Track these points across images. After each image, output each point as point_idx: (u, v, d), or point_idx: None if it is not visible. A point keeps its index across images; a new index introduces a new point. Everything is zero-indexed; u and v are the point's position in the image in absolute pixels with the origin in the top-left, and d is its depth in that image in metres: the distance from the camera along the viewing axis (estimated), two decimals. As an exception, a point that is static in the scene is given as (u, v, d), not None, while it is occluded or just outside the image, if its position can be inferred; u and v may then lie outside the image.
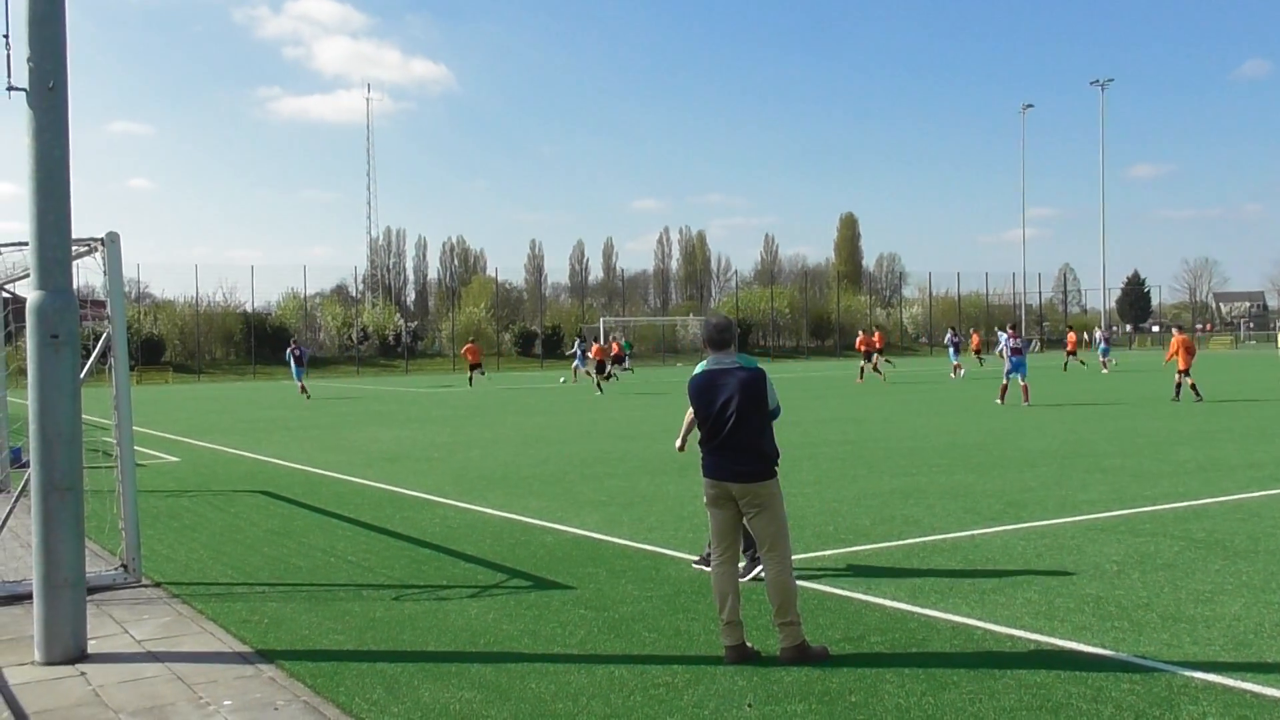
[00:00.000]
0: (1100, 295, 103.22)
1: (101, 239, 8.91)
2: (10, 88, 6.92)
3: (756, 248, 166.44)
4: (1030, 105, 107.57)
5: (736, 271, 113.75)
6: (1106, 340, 53.51)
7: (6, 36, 6.93)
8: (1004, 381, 27.55)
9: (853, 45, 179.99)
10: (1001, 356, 29.27)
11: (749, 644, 6.65)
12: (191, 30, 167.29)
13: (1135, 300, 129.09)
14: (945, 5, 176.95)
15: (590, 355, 41.36)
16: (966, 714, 5.53)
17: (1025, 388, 26.91)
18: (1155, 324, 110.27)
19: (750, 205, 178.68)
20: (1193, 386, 27.27)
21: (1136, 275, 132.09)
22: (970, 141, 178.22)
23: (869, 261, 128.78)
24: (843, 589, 8.20)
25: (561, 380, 49.14)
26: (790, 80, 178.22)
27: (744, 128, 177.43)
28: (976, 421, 22.84)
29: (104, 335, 8.85)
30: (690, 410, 8.90)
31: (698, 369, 6.90)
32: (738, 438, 6.62)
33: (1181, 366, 27.36)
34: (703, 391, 6.79)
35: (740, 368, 6.75)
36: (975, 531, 10.37)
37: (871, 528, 10.68)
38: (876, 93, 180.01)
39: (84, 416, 7.16)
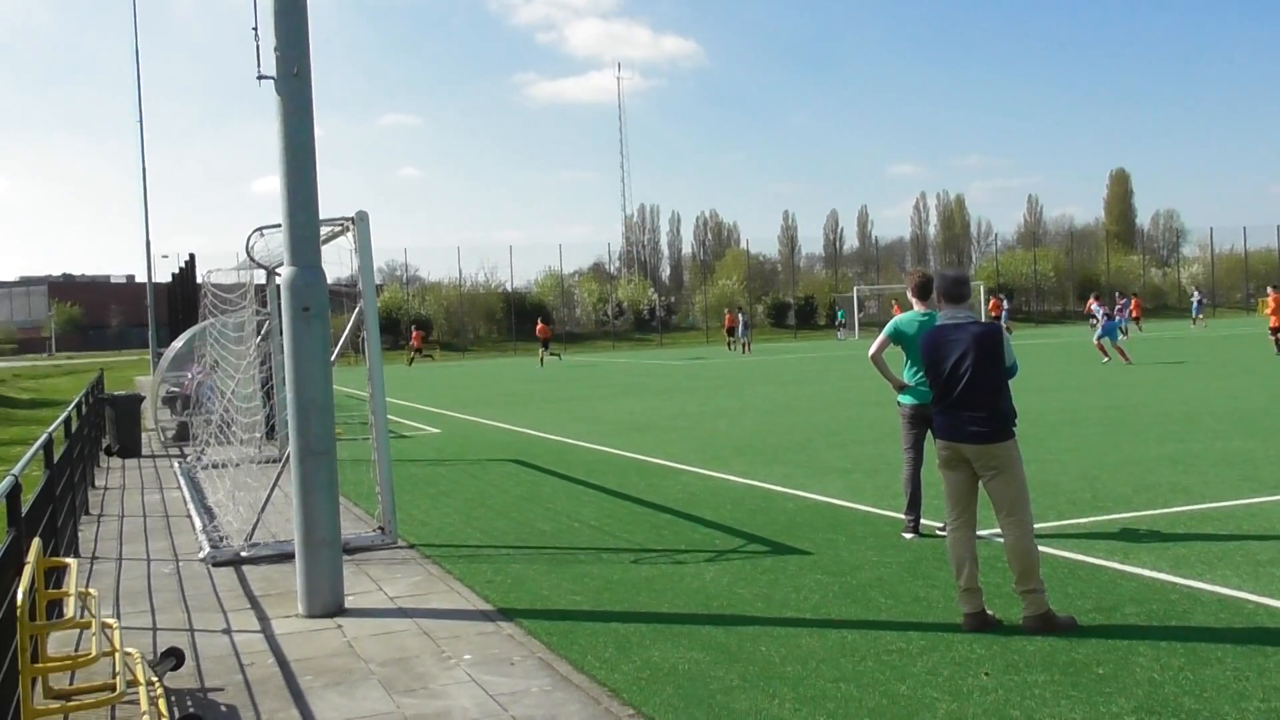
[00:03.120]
0: None
1: (351, 218, 9.37)
2: (260, 76, 7.34)
3: (1019, 210, 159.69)
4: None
5: (997, 235, 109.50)
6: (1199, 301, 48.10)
7: (256, 29, 7.33)
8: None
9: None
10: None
11: (989, 611, 6.37)
12: (452, 23, 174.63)
13: None
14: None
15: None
16: (1229, 691, 5.11)
17: None
18: None
19: (1012, 165, 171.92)
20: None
21: None
22: (1257, 84, 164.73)
23: (1143, 219, 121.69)
24: (1096, 557, 7.76)
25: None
26: (1053, 31, 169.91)
27: (1006, 84, 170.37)
28: (1263, 385, 21.15)
29: (355, 309, 9.30)
30: (875, 346, 8.70)
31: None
32: (972, 396, 6.33)
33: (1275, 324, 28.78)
34: (935, 348, 6.52)
35: (974, 322, 6.45)
36: (1252, 500, 9.62)
37: (1133, 495, 10.08)
38: (1146, 36, 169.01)
39: (349, 390, 7.57)
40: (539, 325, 49.21)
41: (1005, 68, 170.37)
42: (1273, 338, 29.15)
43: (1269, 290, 29.93)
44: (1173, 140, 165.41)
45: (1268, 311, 28.77)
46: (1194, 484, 10.54)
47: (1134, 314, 47.20)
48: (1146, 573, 7.29)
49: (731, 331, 54.52)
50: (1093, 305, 31.34)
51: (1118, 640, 5.94)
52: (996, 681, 5.41)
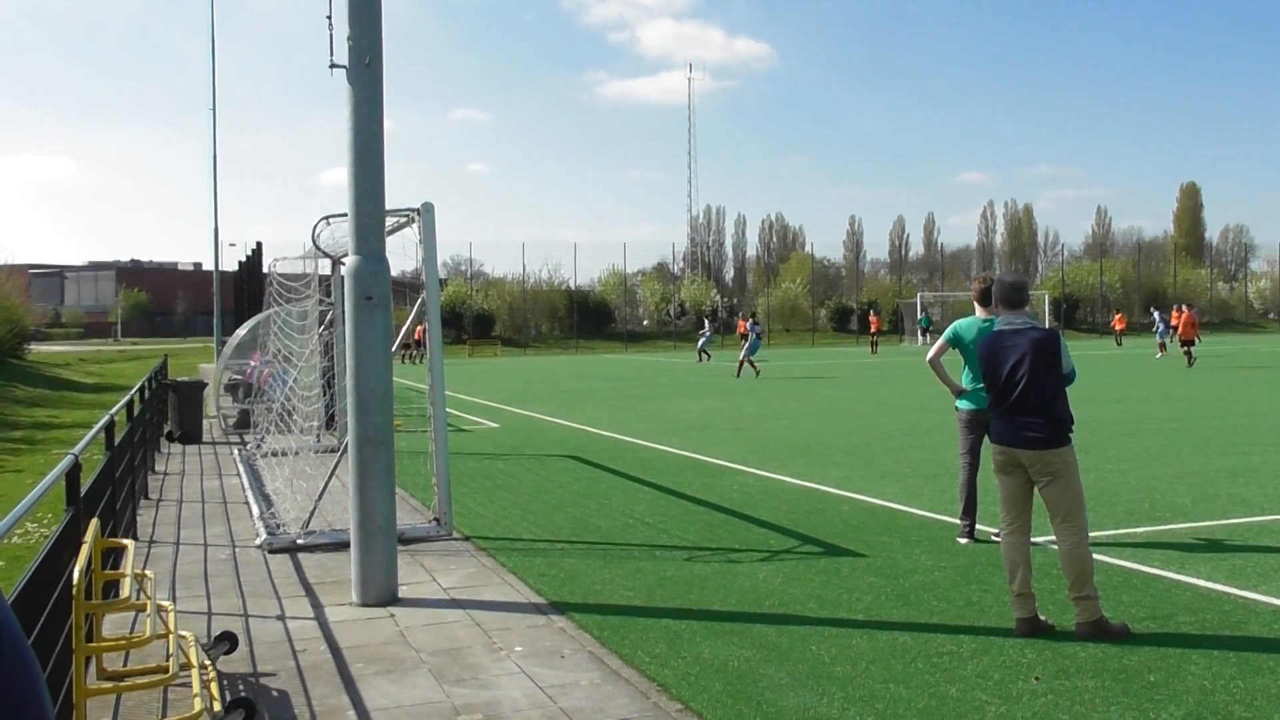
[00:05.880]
0: None
1: (418, 209, 9.48)
2: (332, 65, 7.43)
3: (1087, 221, 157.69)
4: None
5: (1064, 246, 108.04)
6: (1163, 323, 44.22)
7: (330, 18, 7.43)
8: None
9: (1192, 0, 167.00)
10: None
11: (1042, 617, 6.35)
12: (524, 18, 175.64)
13: None
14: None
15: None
16: None
17: None
18: None
19: (1082, 176, 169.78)
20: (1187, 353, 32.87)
21: None
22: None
23: (1212, 233, 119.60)
24: (1152, 566, 7.70)
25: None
26: (1127, 43, 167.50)
27: (1078, 95, 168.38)
28: (1329, 399, 20.79)
29: (419, 299, 9.42)
30: (934, 351, 8.66)
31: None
32: (1029, 401, 6.31)
33: (1186, 338, 33.31)
34: (993, 353, 6.51)
35: (1033, 327, 6.44)
36: (1313, 513, 9.47)
37: (1191, 506, 9.97)
38: (1221, 51, 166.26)
39: (410, 383, 7.67)
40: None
41: (1076, 78, 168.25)
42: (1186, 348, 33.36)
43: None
44: (1244, 155, 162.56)
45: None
46: (1253, 496, 10.41)
47: (1178, 326, 37.78)
48: (1202, 583, 7.23)
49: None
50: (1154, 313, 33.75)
51: (1170, 648, 5.90)
52: (1047, 686, 5.40)
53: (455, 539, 9.41)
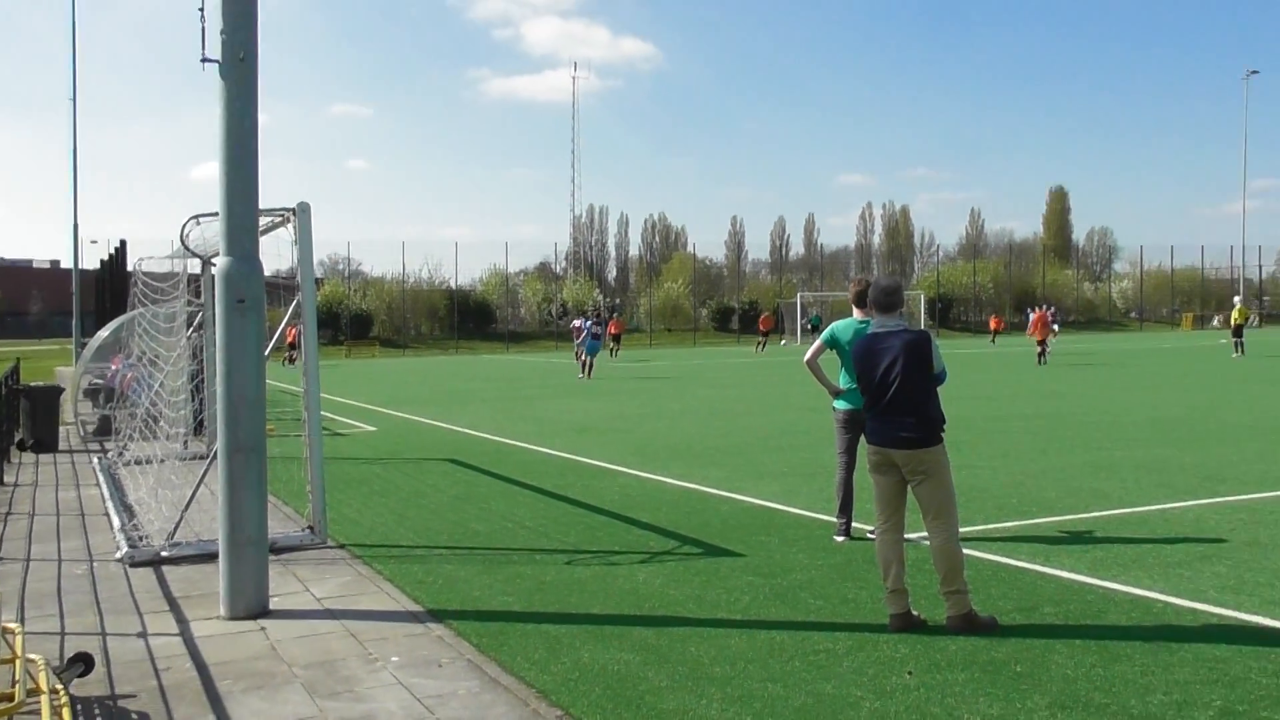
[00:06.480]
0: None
1: (292, 209, 9.27)
2: (204, 59, 7.17)
3: (962, 223, 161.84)
4: (1255, 71, 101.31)
5: (940, 247, 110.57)
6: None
7: (202, 10, 7.19)
8: None
9: (1060, 10, 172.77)
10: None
11: (915, 612, 6.49)
12: (408, 13, 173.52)
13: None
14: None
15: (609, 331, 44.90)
16: (1136, 686, 5.28)
17: None
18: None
19: (957, 179, 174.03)
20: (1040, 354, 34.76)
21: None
22: (1188, 111, 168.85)
23: (1079, 236, 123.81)
24: (1019, 560, 7.92)
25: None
26: (1001, 51, 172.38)
27: (954, 100, 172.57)
28: (1181, 396, 21.79)
29: (295, 300, 9.22)
30: (811, 352, 8.81)
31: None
32: (901, 402, 6.44)
33: (1039, 338, 35.18)
34: (867, 355, 6.63)
35: (905, 330, 6.57)
36: (1167, 505, 9.88)
37: (1056, 500, 10.29)
38: (1089, 62, 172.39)
39: (284, 386, 7.48)
40: (761, 317, 58.58)
41: (952, 83, 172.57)
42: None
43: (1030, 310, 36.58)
44: (1108, 160, 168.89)
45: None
46: (1114, 490, 10.80)
47: (1033, 330, 37.26)
48: (1066, 574, 7.47)
49: (767, 333, 57.03)
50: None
51: (1036, 639, 6.08)
52: (919, 680, 5.51)
53: (330, 547, 9.21)
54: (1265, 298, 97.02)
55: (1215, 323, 68.28)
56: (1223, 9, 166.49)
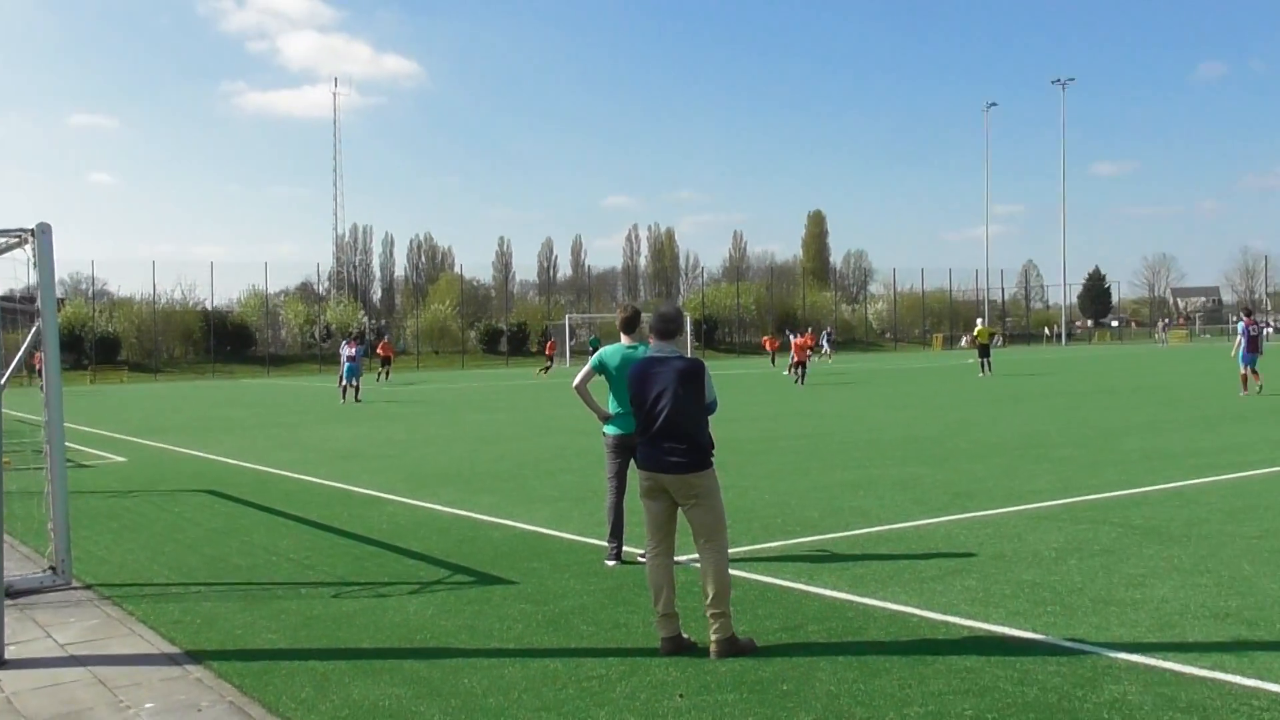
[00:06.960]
0: (1062, 291, 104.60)
1: (31, 230, 8.69)
2: None
3: (725, 245, 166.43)
4: (994, 104, 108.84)
5: (704, 269, 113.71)
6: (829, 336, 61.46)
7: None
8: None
9: (820, 43, 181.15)
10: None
11: (685, 635, 6.58)
12: (157, 23, 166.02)
13: (1096, 296, 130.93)
14: (911, 4, 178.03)
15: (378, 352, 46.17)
16: (895, 699, 5.50)
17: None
18: (1114, 319, 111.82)
19: (720, 202, 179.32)
20: (797, 369, 37.13)
21: (1097, 271, 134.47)
22: (936, 139, 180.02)
23: (836, 258, 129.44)
24: (784, 579, 8.15)
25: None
26: (761, 78, 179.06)
27: (716, 125, 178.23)
28: (935, 415, 22.98)
29: (33, 329, 8.66)
30: (580, 377, 8.93)
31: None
32: (672, 428, 6.52)
33: (796, 359, 37.28)
34: (641, 380, 6.69)
35: (679, 357, 6.67)
36: (922, 522, 10.35)
37: (819, 519, 10.65)
38: (844, 91, 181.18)
39: (21, 415, 6.99)
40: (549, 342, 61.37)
41: (713, 107, 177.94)
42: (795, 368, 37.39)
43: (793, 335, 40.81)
44: (862, 184, 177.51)
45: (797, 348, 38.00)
46: (872, 507, 11.24)
47: (794, 351, 38.55)
48: (828, 592, 7.72)
49: (553, 356, 58.11)
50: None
51: (801, 658, 6.25)
52: (690, 703, 5.58)
53: (75, 588, 8.66)
54: (1008, 318, 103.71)
55: (964, 343, 73.37)
56: (964, 43, 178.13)
